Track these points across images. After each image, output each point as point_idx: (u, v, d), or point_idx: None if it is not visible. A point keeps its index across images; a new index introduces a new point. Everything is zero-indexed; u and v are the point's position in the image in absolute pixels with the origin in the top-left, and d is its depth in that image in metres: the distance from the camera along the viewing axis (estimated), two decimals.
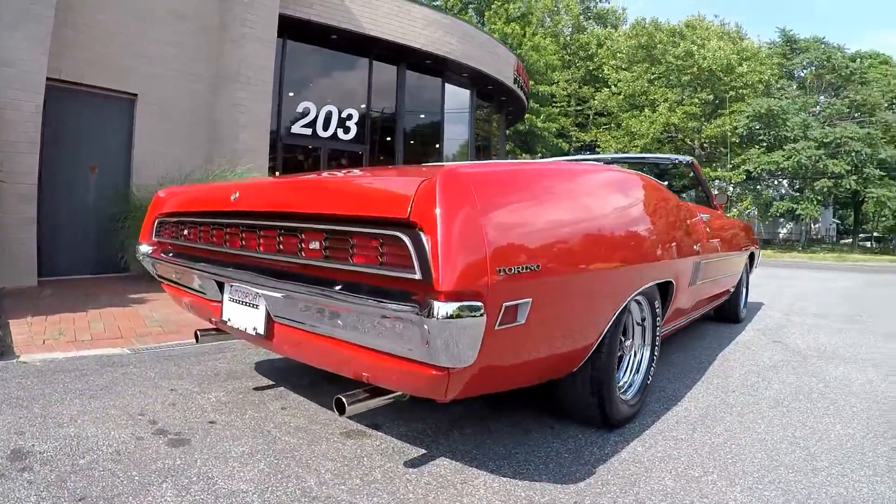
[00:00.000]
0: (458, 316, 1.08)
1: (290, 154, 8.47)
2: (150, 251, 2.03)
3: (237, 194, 1.63)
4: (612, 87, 21.28)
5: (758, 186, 21.14)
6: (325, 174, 1.87)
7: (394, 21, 8.18)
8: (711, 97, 19.80)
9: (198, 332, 1.94)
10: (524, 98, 12.59)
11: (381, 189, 1.32)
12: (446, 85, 10.18)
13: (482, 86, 10.71)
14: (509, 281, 1.15)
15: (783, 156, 19.10)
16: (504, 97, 11.84)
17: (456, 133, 11.11)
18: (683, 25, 19.68)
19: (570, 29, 25.40)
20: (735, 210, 20.45)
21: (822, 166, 18.92)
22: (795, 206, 19.32)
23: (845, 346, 3.19)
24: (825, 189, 19.78)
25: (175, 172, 4.70)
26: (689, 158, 3.18)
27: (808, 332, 3.61)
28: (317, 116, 8.22)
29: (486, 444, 1.60)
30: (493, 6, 21.81)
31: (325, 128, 8.36)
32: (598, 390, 1.63)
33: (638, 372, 1.89)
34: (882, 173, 19.82)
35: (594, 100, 22.75)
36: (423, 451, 1.54)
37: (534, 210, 1.31)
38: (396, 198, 1.16)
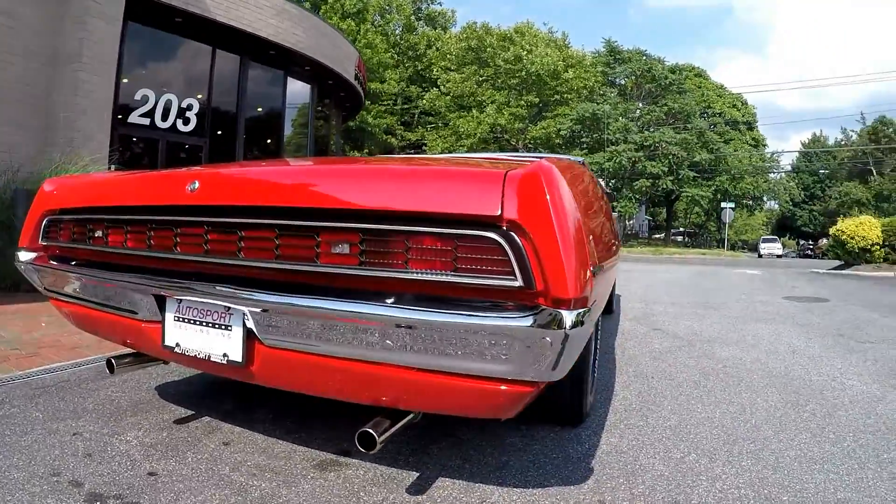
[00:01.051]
0: (580, 324, 1.18)
1: (125, 146, 9.09)
2: (33, 258, 1.98)
3: (196, 185, 1.59)
4: (442, 87, 25.19)
5: None
6: (340, 163, 1.87)
7: (242, 7, 9.56)
8: (538, 100, 25.50)
9: (112, 361, 1.89)
10: (362, 95, 15.07)
11: (450, 181, 1.30)
12: (289, 79, 12.19)
13: (324, 80, 12.92)
14: (593, 283, 1.28)
15: (605, 157, 24.65)
16: (343, 93, 14.20)
17: (296, 128, 12.99)
18: (513, 31, 24.43)
19: (401, 28, 29.07)
20: None
21: (641, 167, 25.55)
22: (615, 203, 25.24)
23: (716, 330, 4.08)
24: (643, 188, 25.73)
25: (3, 164, 4.97)
26: (580, 159, 3.63)
27: (675, 318, 4.70)
28: (155, 105, 9.33)
29: (473, 457, 1.80)
30: (328, 1, 24.43)
31: (164, 118, 9.51)
32: (579, 388, 1.93)
33: (595, 368, 2.22)
34: (695, 174, 27.90)
35: (422, 99, 26.59)
36: (416, 473, 1.68)
37: (587, 207, 1.52)
38: (479, 192, 1.21)
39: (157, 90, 9.32)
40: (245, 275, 1.56)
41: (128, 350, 2.00)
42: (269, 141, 12.53)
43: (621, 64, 28.87)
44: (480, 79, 25.41)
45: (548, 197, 1.20)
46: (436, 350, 1.27)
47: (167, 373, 2.69)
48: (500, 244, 1.20)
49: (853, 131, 47.57)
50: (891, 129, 41.83)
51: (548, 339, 1.18)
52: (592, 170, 23.05)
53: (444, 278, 1.26)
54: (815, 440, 2.04)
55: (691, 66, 33.04)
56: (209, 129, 10.34)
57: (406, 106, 27.19)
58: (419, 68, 28.50)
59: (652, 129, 27.58)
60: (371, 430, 1.35)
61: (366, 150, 26.18)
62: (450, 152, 25.20)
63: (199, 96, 10.08)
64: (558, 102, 26.05)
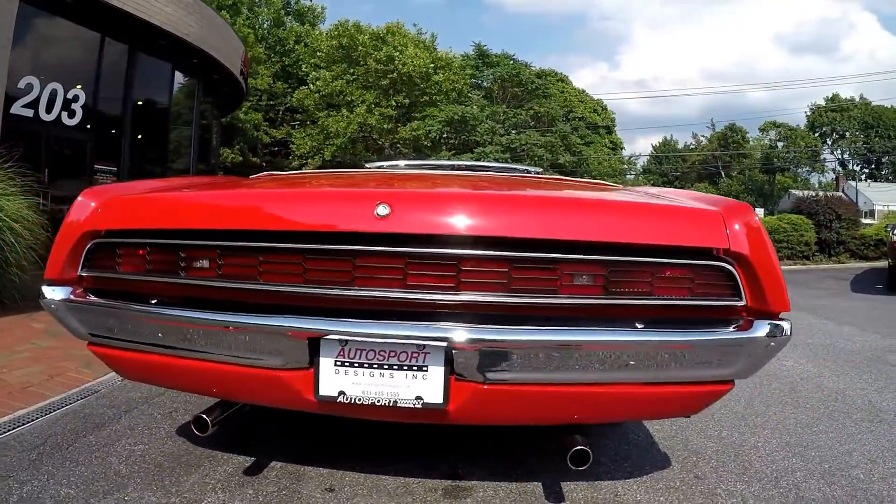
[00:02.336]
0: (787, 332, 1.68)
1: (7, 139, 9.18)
2: (74, 294, 1.86)
3: (387, 209, 1.62)
4: (311, 85, 25.87)
5: None
6: (544, 191, 2.18)
7: None
8: (407, 101, 27.66)
9: (206, 418, 1.86)
10: (245, 90, 15.52)
11: (673, 217, 1.74)
12: (176, 73, 12.72)
13: (210, 75, 13.36)
14: None
15: (472, 158, 26.95)
16: (227, 88, 14.79)
17: (181, 123, 13.28)
18: (385, 31, 25.53)
19: (269, 23, 29.18)
20: None
21: None
22: None
23: None
24: None
25: None
26: (537, 169, 4.05)
27: None
28: (40, 95, 9.29)
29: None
30: None
31: (49, 110, 9.48)
32: None
33: None
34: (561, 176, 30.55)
35: (290, 97, 27.12)
36: (539, 482, 2.18)
37: None
38: (704, 227, 1.65)
39: (41, 78, 9.25)
40: (450, 310, 1.66)
41: (208, 401, 1.98)
42: (154, 138, 12.72)
43: (490, 67, 31.70)
44: (351, 77, 26.61)
45: (762, 231, 1.67)
46: (676, 363, 1.65)
47: (161, 414, 2.80)
48: (729, 271, 1.63)
49: (703, 136, 54.55)
50: (738, 136, 48.55)
51: (773, 344, 1.66)
52: None
53: (681, 302, 1.66)
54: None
55: (554, 72, 36.34)
56: (95, 124, 10.52)
57: (272, 102, 27.44)
58: (286, 64, 28.93)
59: (518, 132, 30.54)
60: (587, 450, 1.76)
61: (237, 147, 26.14)
62: (318, 151, 26.06)
63: (86, 88, 10.18)
64: (427, 104, 28.16)
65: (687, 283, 1.66)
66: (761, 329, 1.65)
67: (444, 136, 28.73)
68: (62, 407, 2.86)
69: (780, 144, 52.01)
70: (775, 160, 49.91)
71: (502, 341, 1.61)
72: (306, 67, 28.33)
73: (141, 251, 1.85)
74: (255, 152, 28.73)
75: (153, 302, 1.82)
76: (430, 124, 27.49)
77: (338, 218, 1.71)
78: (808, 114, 54.53)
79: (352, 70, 26.65)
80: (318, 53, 27.30)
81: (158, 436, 2.53)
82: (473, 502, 2.02)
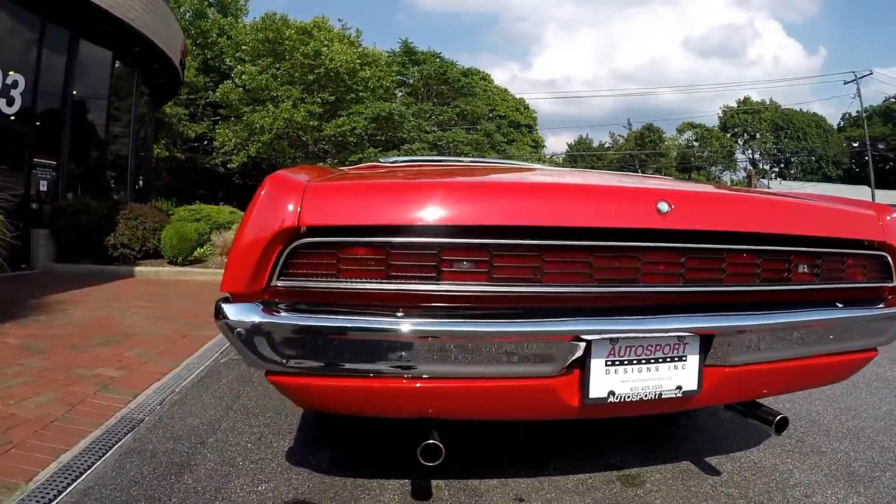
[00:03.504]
0: None
1: None
2: (264, 314, 1.65)
3: (667, 206, 1.73)
4: (236, 79, 25.95)
5: None
6: (752, 193, 2.36)
7: None
8: (333, 98, 28.35)
9: (440, 445, 1.78)
10: (181, 82, 15.71)
11: (847, 216, 2.16)
12: (116, 62, 13.07)
13: (149, 64, 13.48)
14: None
15: (400, 155, 27.55)
16: (162, 79, 14.95)
17: (120, 115, 13.42)
18: (311, 25, 25.95)
19: (191, 14, 28.91)
20: None
21: None
22: None
23: None
24: None
25: None
26: (539, 165, 4.55)
27: None
28: None
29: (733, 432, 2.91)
30: None
31: None
32: None
33: None
34: None
35: (214, 91, 27.13)
36: (711, 460, 2.63)
37: None
38: (871, 225, 2.09)
39: None
40: (703, 301, 1.87)
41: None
42: (92, 131, 12.81)
43: (416, 65, 32.84)
44: (277, 72, 27.11)
45: None
46: (853, 335, 2.09)
47: (251, 441, 2.71)
48: (886, 259, 2.14)
49: (620, 136, 57.50)
50: (655, 135, 51.53)
51: None
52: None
53: (857, 285, 2.13)
54: None
55: (477, 70, 37.74)
56: (34, 114, 10.59)
57: (192, 97, 27.24)
58: (209, 57, 28.77)
59: (444, 130, 31.93)
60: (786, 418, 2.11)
61: (162, 141, 25.81)
62: (243, 147, 26.18)
63: (24, 75, 10.18)
64: (354, 100, 28.92)
65: (860, 269, 2.13)
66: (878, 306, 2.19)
67: (370, 133, 29.32)
68: (113, 444, 2.59)
69: (696, 144, 55.52)
70: (692, 159, 53.16)
71: (748, 326, 1.88)
72: (230, 61, 28.58)
73: (367, 252, 1.65)
74: (177, 147, 28.39)
75: (399, 315, 1.64)
76: (356, 121, 28.19)
77: (621, 215, 1.75)
78: (721, 115, 58.44)
79: (277, 65, 27.10)
80: (243, 47, 27.55)
81: (273, 469, 2.40)
82: (651, 486, 2.35)
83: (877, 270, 2.15)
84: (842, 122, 60.68)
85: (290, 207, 1.61)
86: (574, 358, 1.70)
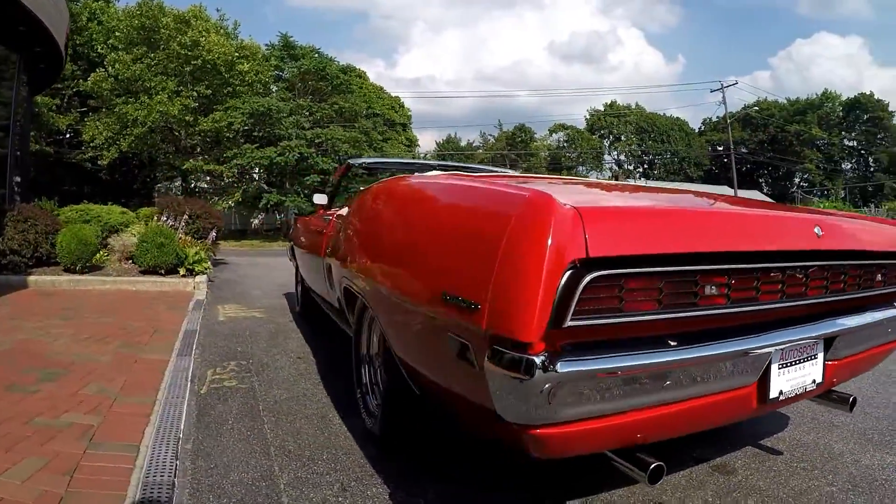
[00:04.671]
0: None
1: None
2: (563, 361, 1.57)
3: (820, 230, 2.15)
4: (109, 68, 26.05)
5: (246, 178, 32.29)
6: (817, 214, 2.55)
7: None
8: (209, 91, 29.12)
9: (662, 465, 1.81)
10: (62, 68, 15.91)
11: None
12: None
13: (33, 48, 13.02)
14: None
15: (276, 152, 29.85)
16: (43, 64, 14.39)
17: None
18: (189, 13, 26.57)
19: None
20: (226, 203, 28.92)
21: (312, 162, 31.28)
22: (284, 198, 31.21)
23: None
24: (314, 183, 30.62)
25: None
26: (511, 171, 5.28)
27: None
28: None
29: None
30: None
31: None
32: None
33: None
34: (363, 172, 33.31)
35: (81, 80, 26.95)
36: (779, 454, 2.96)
37: None
38: None
39: None
40: (827, 308, 2.29)
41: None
42: None
43: (295, 60, 34.19)
44: (152, 62, 27.44)
45: None
46: None
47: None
48: None
49: (491, 136, 60.82)
50: (526, 136, 55.05)
51: None
52: (262, 164, 30.49)
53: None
54: None
55: (354, 67, 39.25)
56: None
57: (59, 86, 26.84)
58: (78, 44, 28.39)
59: (322, 127, 33.20)
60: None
61: (33, 133, 25.27)
62: (114, 142, 26.26)
63: None
64: (230, 95, 29.59)
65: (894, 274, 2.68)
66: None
67: (247, 128, 30.05)
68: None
69: (566, 145, 59.66)
70: (562, 159, 57.06)
71: (854, 327, 2.32)
72: (101, 48, 28.34)
73: (647, 282, 1.67)
74: (44, 140, 27.70)
75: (673, 344, 1.73)
76: (233, 116, 29.00)
77: (801, 238, 2.09)
78: (587, 118, 63.07)
79: (152, 54, 27.32)
80: (116, 34, 27.46)
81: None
82: (743, 471, 2.79)
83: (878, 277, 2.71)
84: (703, 127, 67.83)
85: (577, 238, 1.51)
86: (765, 367, 2.03)
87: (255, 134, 31.60)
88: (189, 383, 3.81)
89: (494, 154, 56.52)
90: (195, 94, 28.00)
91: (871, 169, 62.17)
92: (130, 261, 9.70)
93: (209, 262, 10.44)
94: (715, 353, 1.82)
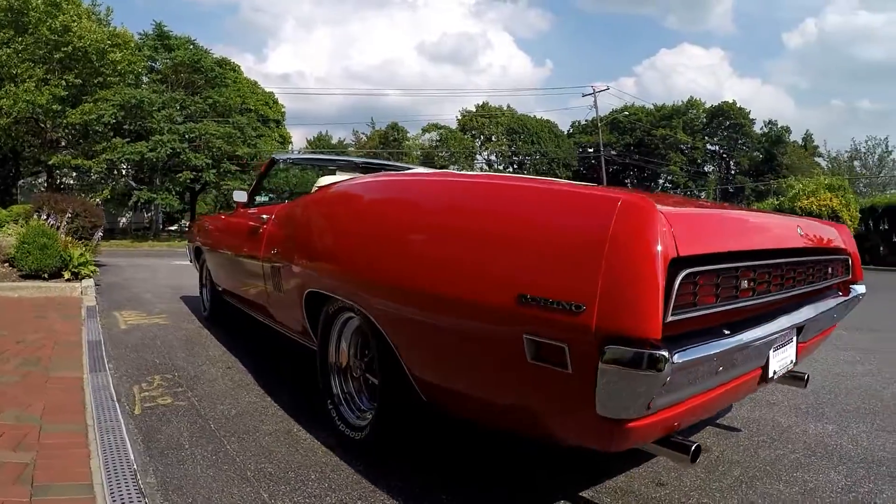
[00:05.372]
0: None
1: None
2: (686, 352, 1.84)
3: (801, 230, 2.70)
4: None
5: (115, 174, 33.37)
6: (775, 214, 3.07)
7: None
8: (79, 81, 29.12)
9: (700, 445, 2.11)
10: None
11: (835, 231, 3.16)
12: None
13: None
14: None
15: (148, 146, 30.98)
16: None
17: None
18: None
19: None
20: (93, 201, 29.66)
21: (185, 158, 32.23)
22: (155, 196, 32.37)
23: None
24: (186, 180, 31.33)
25: None
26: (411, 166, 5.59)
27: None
28: None
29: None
30: None
31: None
32: None
33: None
34: (237, 168, 35.52)
35: None
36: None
37: None
38: (845, 237, 3.22)
39: None
40: (794, 300, 2.67)
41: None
42: None
43: (169, 50, 35.05)
44: (19, 47, 27.12)
45: (852, 236, 3.41)
46: (839, 314, 3.24)
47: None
48: (848, 260, 3.25)
49: (364, 134, 62.64)
50: (399, 134, 57.29)
51: (861, 299, 3.30)
52: (133, 160, 33.12)
53: (840, 279, 3.21)
54: None
55: (228, 61, 40.13)
56: None
57: None
58: None
59: (195, 121, 34.10)
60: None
61: None
62: None
63: None
64: (101, 85, 29.75)
65: (841, 268, 3.22)
66: (859, 290, 3.32)
67: (117, 121, 30.13)
68: None
69: (439, 144, 62.33)
70: (436, 158, 59.53)
71: (818, 314, 2.81)
72: None
73: (717, 277, 2.00)
74: None
75: (727, 332, 2.05)
76: (103, 108, 29.17)
77: (795, 237, 2.65)
78: (459, 118, 66.18)
79: (20, 38, 27.02)
80: None
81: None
82: (717, 449, 3.29)
83: (845, 269, 3.27)
84: (571, 129, 72.63)
85: (670, 239, 1.74)
86: (770, 350, 2.47)
87: (126, 127, 31.92)
88: (116, 403, 3.59)
89: (367, 152, 58.22)
90: (64, 83, 27.78)
91: (733, 172, 69.09)
92: (7, 264, 9.33)
93: (95, 265, 10.50)
94: (756, 338, 2.17)
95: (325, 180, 4.02)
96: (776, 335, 2.37)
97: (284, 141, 45.94)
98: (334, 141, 68.06)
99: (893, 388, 4.65)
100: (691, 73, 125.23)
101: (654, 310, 1.71)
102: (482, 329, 2.15)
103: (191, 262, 7.84)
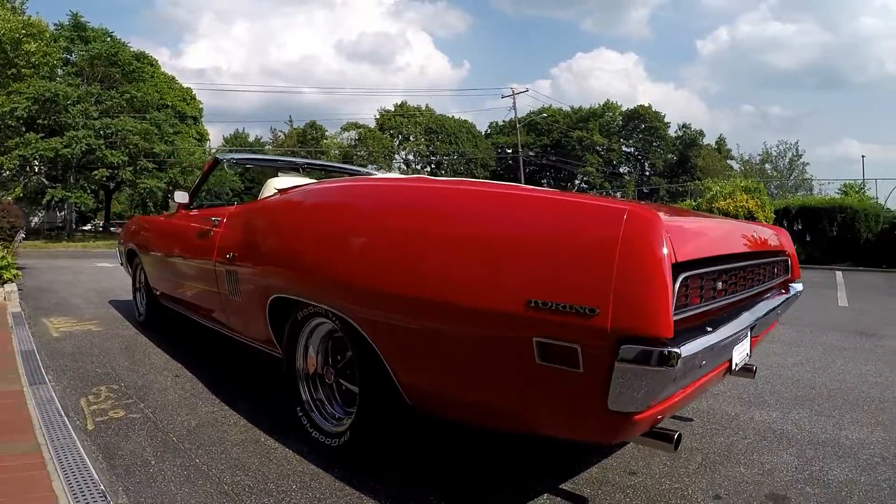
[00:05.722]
0: None
1: None
2: (690, 346, 2.05)
3: (757, 233, 3.15)
4: None
5: (27, 171, 33.14)
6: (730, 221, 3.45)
7: None
8: None
9: (681, 434, 2.29)
10: None
11: (776, 234, 3.56)
12: None
13: None
14: None
15: (62, 143, 30.88)
16: None
17: None
18: None
19: None
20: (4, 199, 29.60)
21: (101, 155, 32.20)
22: (70, 195, 32.21)
23: None
24: (102, 178, 31.32)
25: None
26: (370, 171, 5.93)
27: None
28: None
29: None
30: None
31: None
32: None
33: None
34: (154, 166, 35.62)
35: None
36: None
37: None
38: (785, 239, 3.67)
39: None
40: (752, 298, 2.97)
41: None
42: None
43: (85, 42, 34.78)
44: None
45: (790, 239, 3.99)
46: (783, 310, 3.40)
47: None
48: (787, 261, 3.72)
49: (282, 132, 62.79)
50: (318, 133, 57.77)
51: (799, 295, 3.75)
52: (46, 157, 33.19)
53: (781, 278, 3.56)
54: None
55: (146, 54, 40.16)
56: None
57: None
58: None
59: (112, 117, 33.98)
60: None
61: None
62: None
63: None
64: (14, 77, 29.19)
65: (783, 268, 3.58)
66: (797, 288, 3.66)
67: (29, 115, 29.87)
68: None
69: (357, 143, 62.96)
70: (354, 157, 60.10)
71: (769, 310, 3.03)
72: None
73: (703, 280, 2.34)
74: None
75: (710, 329, 2.25)
76: (16, 101, 28.94)
77: (753, 242, 3.03)
78: (377, 117, 66.98)
79: None
80: None
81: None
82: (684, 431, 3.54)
83: (786, 268, 3.64)
84: (489, 130, 74.37)
85: (670, 245, 1.96)
86: (735, 344, 2.67)
87: (40, 122, 31.39)
88: (66, 419, 3.51)
89: (285, 151, 58.26)
90: None
91: (648, 173, 71.98)
92: None
93: (17, 269, 10.36)
94: (732, 333, 2.39)
95: (282, 182, 4.13)
96: (743, 331, 2.57)
97: (202, 138, 46.08)
98: (251, 139, 67.85)
99: (823, 377, 5.12)
100: (607, 77, 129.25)
101: (666, 310, 1.90)
102: (488, 335, 2.25)
103: (122, 264, 7.68)
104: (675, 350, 1.88)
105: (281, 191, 3.80)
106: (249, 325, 3.89)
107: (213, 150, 48.81)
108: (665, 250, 1.94)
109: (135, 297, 7.06)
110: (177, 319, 5.94)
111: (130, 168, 33.83)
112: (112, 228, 42.32)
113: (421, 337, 2.56)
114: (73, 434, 3.26)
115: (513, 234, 2.25)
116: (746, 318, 2.67)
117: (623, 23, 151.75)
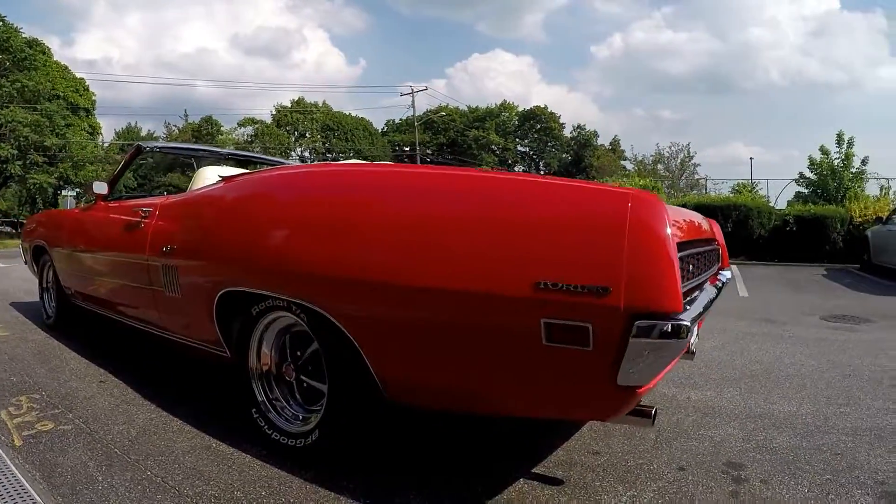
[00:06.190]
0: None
1: None
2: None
3: (707, 224, 3.59)
4: None
5: None
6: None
7: None
8: None
9: (657, 409, 2.42)
10: None
11: (713, 227, 3.99)
12: None
13: None
14: None
15: None
16: None
17: None
18: None
19: None
20: None
21: None
22: None
23: None
24: None
25: None
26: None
27: None
28: None
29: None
30: None
31: None
32: None
33: None
34: (45, 160, 35.64)
35: None
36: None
37: None
38: (717, 230, 4.15)
39: None
40: (700, 284, 3.08)
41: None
42: None
43: None
44: None
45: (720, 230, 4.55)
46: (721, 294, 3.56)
47: None
48: (718, 249, 3.94)
49: (176, 126, 63.41)
50: (214, 128, 58.88)
51: (732, 277, 4.86)
52: None
53: (717, 268, 3.81)
54: None
55: (39, 42, 40.42)
56: None
57: None
58: None
59: (1, 107, 33.76)
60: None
61: None
62: None
63: None
64: None
65: (716, 256, 3.82)
66: (727, 275, 3.86)
67: None
68: None
69: (254, 139, 64.05)
70: (251, 152, 61.05)
71: (714, 295, 3.08)
72: None
73: (683, 262, 2.54)
74: None
75: (688, 308, 2.32)
76: None
77: (704, 230, 3.47)
78: (274, 113, 68.29)
79: None
80: None
81: None
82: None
83: (718, 258, 3.88)
84: (386, 128, 76.52)
85: (672, 226, 2.13)
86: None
87: None
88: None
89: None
90: None
91: (542, 172, 73.78)
92: None
93: None
94: (700, 312, 2.48)
95: (225, 171, 4.05)
96: (703, 311, 2.60)
97: (94, 131, 45.86)
98: (144, 132, 67.64)
99: (742, 360, 5.41)
100: (502, 78, 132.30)
101: (676, 286, 2.03)
102: (491, 320, 2.22)
103: (26, 262, 7.27)
104: (686, 322, 2.02)
105: (226, 178, 3.57)
106: (191, 323, 3.68)
107: (106, 145, 48.92)
108: (669, 230, 2.06)
109: (42, 297, 6.67)
110: (92, 320, 5.66)
111: (20, 162, 33.69)
112: None
113: (408, 327, 2.50)
114: (1, 452, 3.02)
115: (518, 219, 2.25)
116: (702, 299, 2.81)
117: (518, 26, 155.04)
